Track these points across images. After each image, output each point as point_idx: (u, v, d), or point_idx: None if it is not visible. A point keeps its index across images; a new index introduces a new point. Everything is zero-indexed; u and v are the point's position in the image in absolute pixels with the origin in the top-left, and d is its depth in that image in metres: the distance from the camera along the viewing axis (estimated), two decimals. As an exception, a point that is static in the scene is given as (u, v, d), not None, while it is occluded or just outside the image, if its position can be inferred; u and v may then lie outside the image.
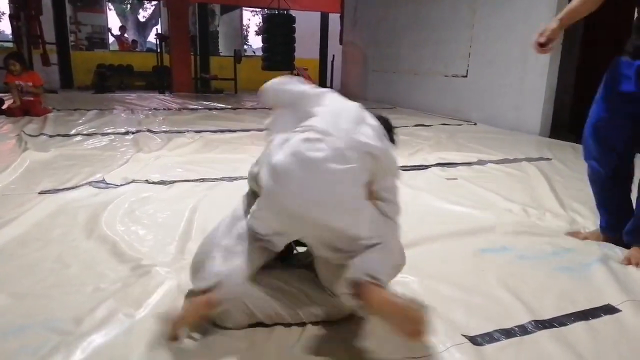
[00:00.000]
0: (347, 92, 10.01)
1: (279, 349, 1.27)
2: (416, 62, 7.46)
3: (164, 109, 6.54)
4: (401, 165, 3.47)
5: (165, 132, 4.63)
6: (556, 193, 2.85)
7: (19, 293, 1.52)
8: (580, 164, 3.65)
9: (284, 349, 1.27)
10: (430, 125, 5.67)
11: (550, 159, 3.85)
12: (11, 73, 5.45)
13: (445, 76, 6.73)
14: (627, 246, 1.97)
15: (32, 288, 1.55)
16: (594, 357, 1.27)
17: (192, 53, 9.59)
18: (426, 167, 3.50)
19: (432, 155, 3.87)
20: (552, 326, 1.41)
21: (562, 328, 1.40)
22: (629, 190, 2.05)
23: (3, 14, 17.10)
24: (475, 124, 5.90)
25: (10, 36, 10.77)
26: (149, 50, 13.77)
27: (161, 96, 8.40)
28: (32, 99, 5.47)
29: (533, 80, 5.19)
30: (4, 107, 5.42)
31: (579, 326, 1.42)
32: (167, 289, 1.55)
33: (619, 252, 1.97)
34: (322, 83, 10.93)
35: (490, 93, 5.89)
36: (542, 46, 1.95)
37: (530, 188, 2.99)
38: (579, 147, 4.17)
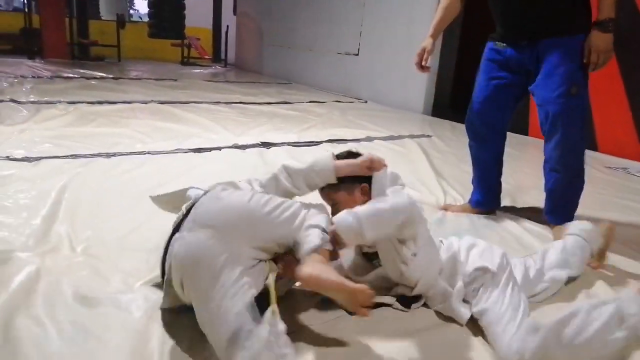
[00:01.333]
0: (242, 65, 9.77)
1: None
2: (311, 38, 7.48)
3: (33, 77, 5.83)
4: (293, 141, 3.50)
5: (32, 102, 4.13)
6: (434, 168, 3.06)
7: None
8: (457, 140, 3.98)
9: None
10: (323, 102, 5.75)
11: (431, 136, 4.12)
12: None
13: (339, 54, 6.85)
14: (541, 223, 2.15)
15: None
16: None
17: (67, 15, 8.63)
18: (317, 143, 3.55)
19: (323, 132, 3.94)
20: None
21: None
22: (500, 168, 2.27)
23: None
24: (365, 102, 6.11)
25: None
26: (16, 9, 12.16)
27: (31, 62, 7.48)
28: None
29: (418, 61, 5.47)
30: None
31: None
32: (27, 275, 1.40)
33: (490, 221, 2.19)
34: (216, 55, 10.51)
35: (379, 72, 6.11)
36: (423, 68, 2.13)
37: (411, 163, 3.18)
38: (457, 125, 4.57)
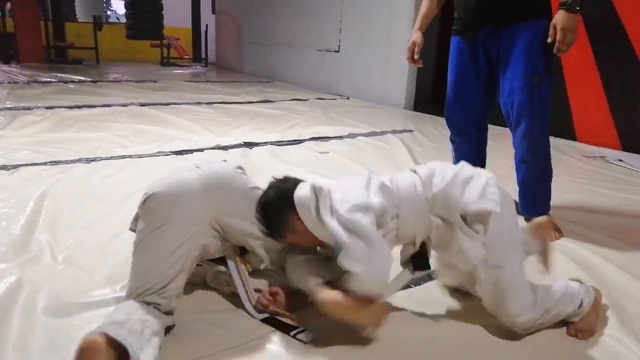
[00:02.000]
0: (222, 64, 9.70)
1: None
2: (291, 35, 7.45)
3: (9, 82, 5.72)
4: (276, 140, 3.49)
5: (9, 109, 4.05)
6: (416, 163, 3.09)
7: None
8: (438, 134, 4.02)
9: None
10: (306, 100, 5.75)
11: (413, 131, 4.15)
12: None
13: (319, 50, 6.84)
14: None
15: None
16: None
17: (42, 18, 8.47)
18: (300, 141, 3.55)
19: (306, 130, 3.94)
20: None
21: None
22: (483, 160, 2.27)
23: None
24: (348, 98, 6.12)
25: None
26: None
27: (6, 67, 7.34)
28: None
29: (397, 57, 5.49)
30: None
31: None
32: (7, 286, 1.38)
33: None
34: (196, 55, 10.42)
35: (360, 68, 6.13)
36: (415, 62, 2.14)
37: (394, 158, 3.20)
38: (439, 118, 4.61)
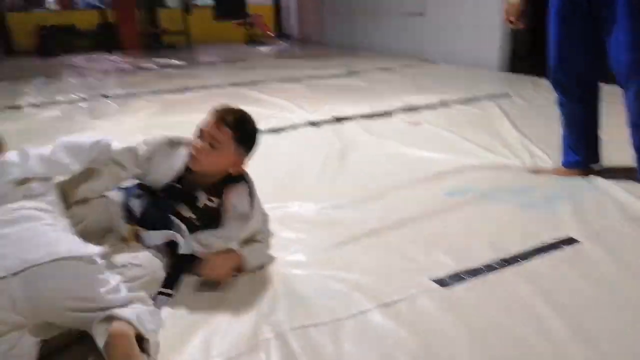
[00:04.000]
0: (305, 39, 9.75)
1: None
2: (372, 1, 7.28)
3: (116, 71, 6.24)
4: (366, 113, 3.48)
5: (120, 96, 4.44)
6: (518, 130, 2.92)
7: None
8: (539, 98, 3.76)
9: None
10: (391, 68, 5.63)
11: (511, 95, 3.91)
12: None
13: (402, 15, 6.62)
14: None
15: None
16: (557, 289, 1.35)
17: (136, 6, 9.04)
18: (391, 113, 3.51)
19: (395, 100, 3.87)
20: (516, 262, 1.49)
21: (527, 263, 1.48)
22: (597, 123, 2.12)
23: None
24: (436, 63, 5.90)
25: None
26: (91, 6, 12.88)
27: (110, 56, 7.98)
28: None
29: (488, 14, 5.16)
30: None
31: (542, 260, 1.50)
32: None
33: (585, 183, 2.07)
34: (278, 30, 10.57)
35: (448, 29, 5.85)
36: (512, 23, 2.00)
37: (492, 127, 3.06)
38: (540, 80, 4.29)
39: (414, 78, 4.91)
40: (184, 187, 1.49)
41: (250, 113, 1.55)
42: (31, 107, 4.08)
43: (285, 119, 3.38)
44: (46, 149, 1.35)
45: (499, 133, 2.91)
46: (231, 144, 1.44)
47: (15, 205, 1.18)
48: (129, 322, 1.03)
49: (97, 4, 10.01)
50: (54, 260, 1.02)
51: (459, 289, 1.37)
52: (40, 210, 1.19)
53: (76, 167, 1.37)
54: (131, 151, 1.49)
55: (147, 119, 3.55)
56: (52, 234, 1.12)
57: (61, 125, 3.45)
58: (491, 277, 1.42)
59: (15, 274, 0.98)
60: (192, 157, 1.44)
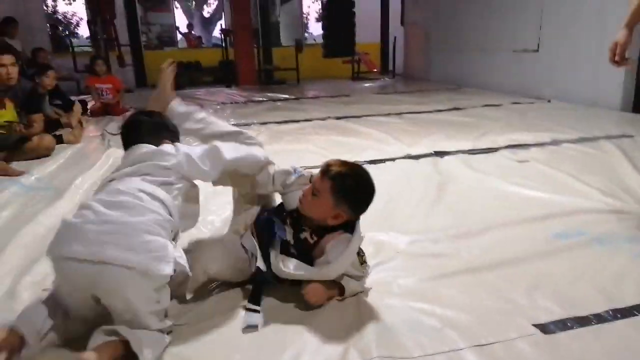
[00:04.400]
0: (409, 74, 9.81)
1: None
2: (482, 38, 7.15)
3: (231, 103, 6.77)
4: (468, 149, 3.39)
5: (233, 125, 4.79)
6: (638, 172, 2.66)
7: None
8: (668, 140, 3.39)
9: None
10: (499, 105, 5.44)
11: (633, 136, 3.57)
12: (96, 74, 5.87)
13: (515, 51, 6.40)
14: None
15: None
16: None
17: (255, 45, 9.80)
18: (495, 149, 3.38)
19: (501, 137, 3.73)
20: (631, 315, 1.35)
21: (643, 317, 1.34)
22: None
23: (81, 19, 18.37)
24: (549, 101, 5.58)
25: (88, 40, 11.59)
26: (215, 45, 14.24)
27: (228, 90, 8.68)
28: (111, 101, 5.88)
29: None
30: (88, 107, 5.86)
31: (662, 315, 1.34)
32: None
33: None
34: (384, 67, 10.77)
35: (564, 67, 5.52)
36: (618, 63, 1.92)
37: (609, 169, 2.81)
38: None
39: (523, 115, 4.70)
40: (299, 216, 1.56)
41: (366, 171, 1.51)
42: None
43: (383, 151, 3.42)
44: (196, 149, 1.52)
45: (618, 175, 2.66)
46: (329, 196, 1.43)
47: (144, 186, 1.35)
48: (129, 344, 1.15)
49: (220, 43, 11.02)
50: (127, 267, 1.16)
51: (563, 337, 1.27)
52: (161, 202, 1.34)
53: (214, 175, 1.51)
54: (287, 174, 1.63)
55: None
56: (146, 237, 1.23)
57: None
58: (600, 327, 1.30)
59: (93, 262, 1.15)
60: (299, 199, 1.52)
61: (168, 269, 1.21)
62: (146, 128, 1.59)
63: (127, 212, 1.25)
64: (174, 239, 1.37)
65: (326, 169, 1.47)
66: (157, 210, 1.30)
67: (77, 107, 5.00)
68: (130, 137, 1.58)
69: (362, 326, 1.34)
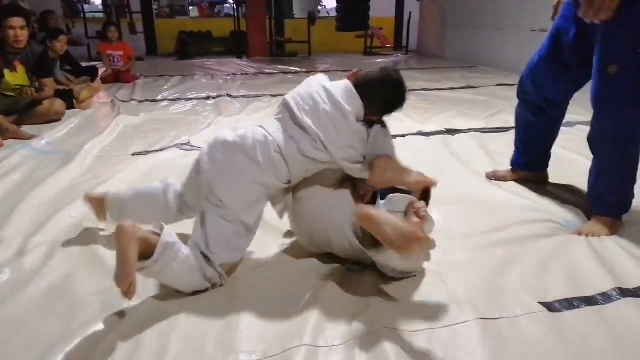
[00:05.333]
0: (423, 51, 9.65)
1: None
2: (499, 16, 6.98)
3: (242, 74, 6.71)
4: (480, 127, 3.35)
5: (243, 96, 4.77)
6: None
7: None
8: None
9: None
10: (513, 85, 5.33)
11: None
12: (108, 40, 5.83)
13: (532, 31, 6.25)
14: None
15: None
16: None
17: (267, 16, 9.66)
18: (507, 129, 3.33)
19: (514, 117, 3.67)
20: (638, 295, 1.34)
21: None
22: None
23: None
24: (564, 82, 5.47)
25: (101, 7, 11.48)
26: (227, 15, 14.02)
27: (239, 61, 8.60)
28: (122, 68, 5.85)
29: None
30: (99, 75, 5.84)
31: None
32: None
33: None
34: (397, 43, 10.58)
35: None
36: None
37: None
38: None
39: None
40: None
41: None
42: (167, 101, 4.57)
43: (393, 127, 3.35)
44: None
45: None
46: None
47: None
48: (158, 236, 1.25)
49: (232, 13, 10.86)
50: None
51: (568, 315, 1.27)
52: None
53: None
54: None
55: (265, 118, 3.74)
56: (228, 233, 1.37)
57: (188, 118, 3.82)
58: (606, 307, 1.29)
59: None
60: None
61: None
62: None
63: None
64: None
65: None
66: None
67: (98, 84, 5.11)
68: None
69: (368, 298, 1.34)
